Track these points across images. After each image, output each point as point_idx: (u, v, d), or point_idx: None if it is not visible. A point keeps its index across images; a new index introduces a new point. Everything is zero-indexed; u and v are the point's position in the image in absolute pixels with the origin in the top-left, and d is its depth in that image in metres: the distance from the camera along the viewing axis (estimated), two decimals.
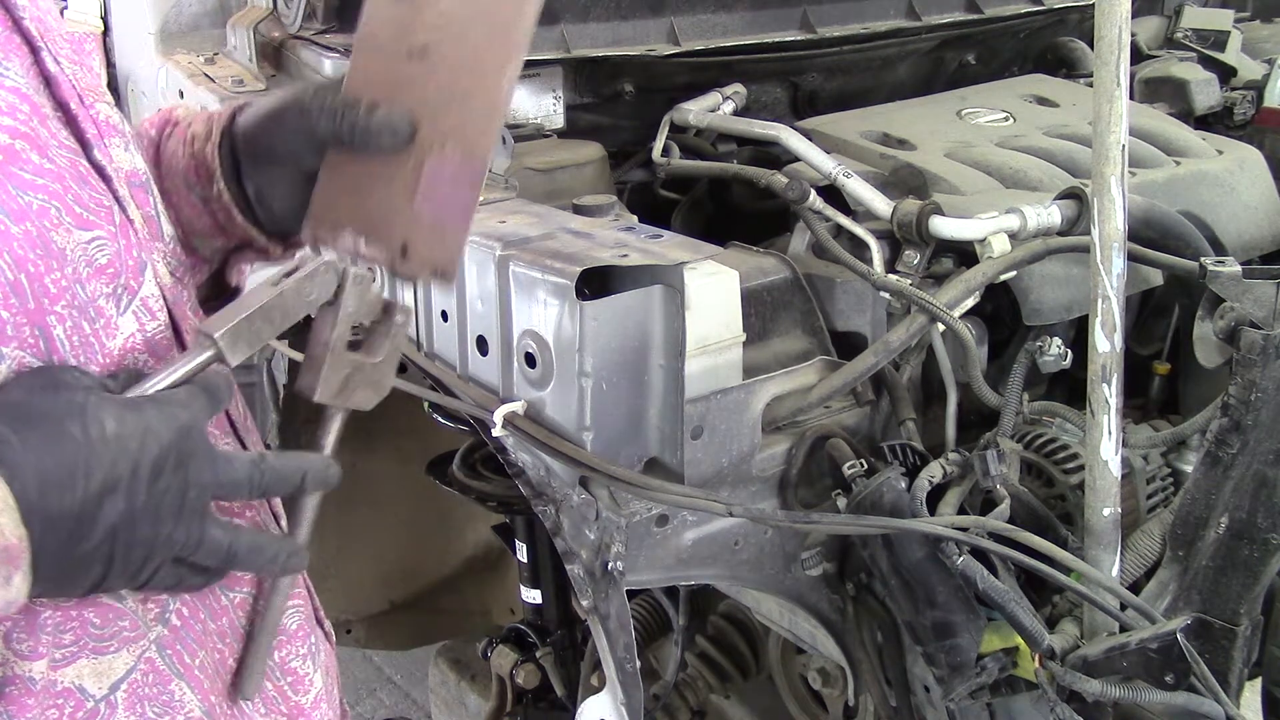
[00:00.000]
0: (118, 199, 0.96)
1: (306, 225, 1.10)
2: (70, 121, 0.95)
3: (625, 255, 1.40)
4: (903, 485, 1.48)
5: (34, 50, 0.93)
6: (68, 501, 0.81)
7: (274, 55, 2.30)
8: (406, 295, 1.69)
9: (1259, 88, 2.46)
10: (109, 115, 1.00)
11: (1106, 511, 1.46)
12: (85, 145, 0.96)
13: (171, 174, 1.15)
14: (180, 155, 1.15)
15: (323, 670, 1.18)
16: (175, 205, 1.15)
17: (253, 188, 1.14)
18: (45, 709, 0.90)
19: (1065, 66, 2.65)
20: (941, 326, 1.59)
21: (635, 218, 1.67)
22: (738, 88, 2.23)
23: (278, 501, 1.13)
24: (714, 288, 1.39)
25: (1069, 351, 1.64)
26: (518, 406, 1.46)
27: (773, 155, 2.05)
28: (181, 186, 1.15)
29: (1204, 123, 2.40)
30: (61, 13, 2.52)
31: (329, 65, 2.09)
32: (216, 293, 1.25)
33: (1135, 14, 2.60)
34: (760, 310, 1.57)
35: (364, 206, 1.05)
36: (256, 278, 1.02)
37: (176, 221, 1.14)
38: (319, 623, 1.23)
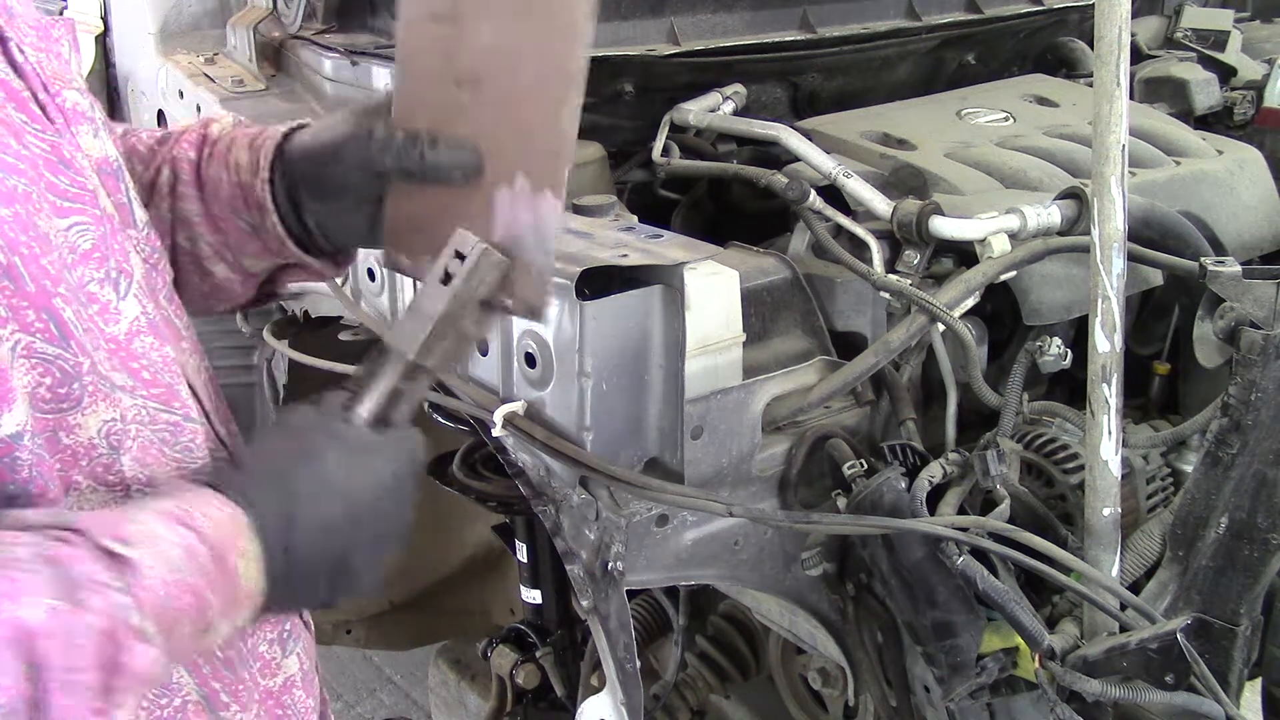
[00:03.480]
0: (95, 185, 0.96)
1: (385, 255, 1.11)
2: (40, 110, 0.94)
3: (625, 255, 1.40)
4: (903, 485, 1.48)
5: (2, 40, 0.93)
6: (297, 536, 0.91)
7: (274, 55, 2.30)
8: (406, 294, 1.69)
9: (1259, 88, 2.45)
10: (76, 102, 0.99)
11: (1106, 511, 1.46)
12: (56, 134, 0.95)
13: (217, 200, 1.14)
14: (225, 182, 1.14)
15: (296, 657, 1.18)
16: (223, 230, 1.15)
17: (313, 220, 1.13)
18: None
19: (1065, 66, 2.64)
20: (941, 326, 1.59)
21: (635, 218, 1.67)
22: (738, 88, 2.23)
23: None
24: (714, 288, 1.39)
25: (1069, 351, 1.64)
26: (518, 406, 1.46)
27: (773, 155, 2.05)
28: (228, 213, 1.14)
29: (1204, 123, 2.40)
30: (61, 12, 2.52)
31: (329, 65, 2.08)
32: (260, 298, 1.25)
33: (1135, 14, 2.60)
34: (760, 310, 1.57)
35: (441, 238, 1.03)
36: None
37: (224, 244, 1.15)
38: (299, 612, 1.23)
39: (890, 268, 1.69)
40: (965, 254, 1.68)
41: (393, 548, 0.97)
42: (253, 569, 0.88)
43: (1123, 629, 1.45)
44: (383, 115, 1.07)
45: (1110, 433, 1.42)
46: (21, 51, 0.94)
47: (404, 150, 1.03)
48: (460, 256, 0.99)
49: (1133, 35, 2.10)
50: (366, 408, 0.98)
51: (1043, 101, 2.25)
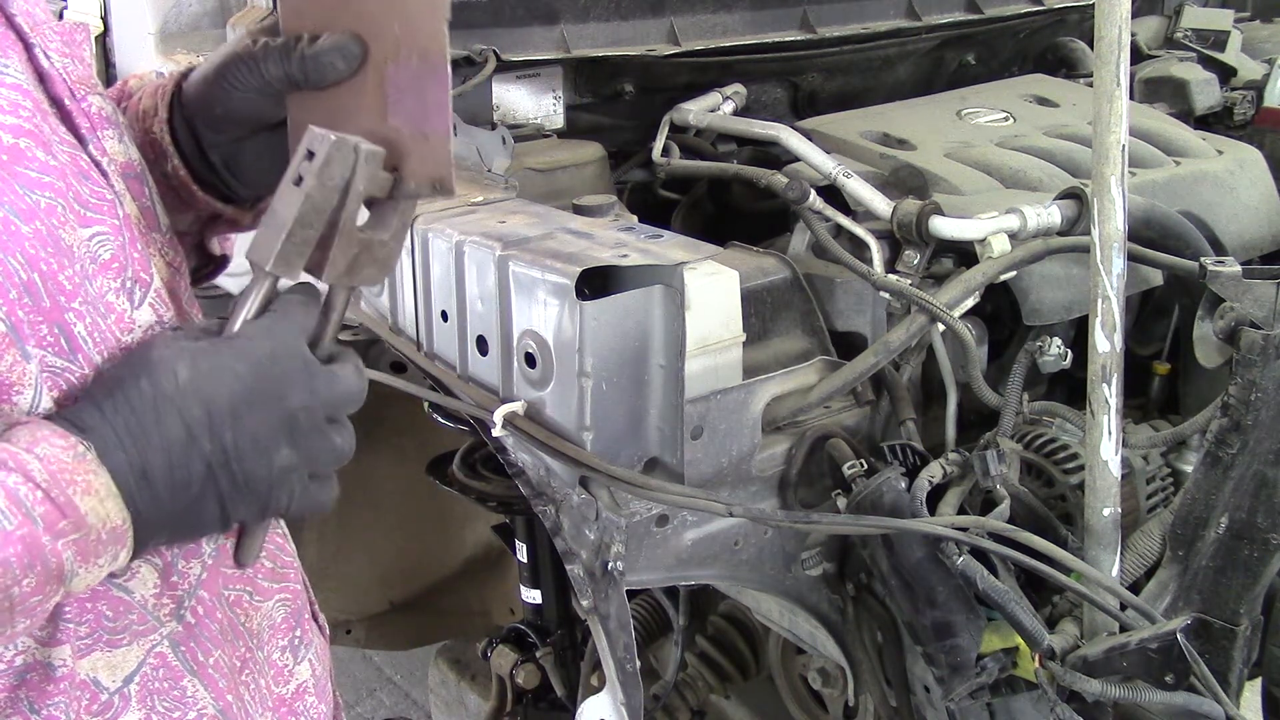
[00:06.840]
0: (116, 193, 0.96)
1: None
2: (65, 117, 0.95)
3: (625, 255, 1.40)
4: (903, 485, 1.48)
5: (27, 46, 0.93)
6: (150, 454, 0.83)
7: None
8: (406, 294, 1.69)
9: (1259, 88, 2.46)
10: (101, 107, 0.99)
11: (1106, 511, 1.46)
12: (81, 140, 0.95)
13: None
14: (136, 131, 1.11)
15: (308, 663, 1.17)
16: None
17: (219, 157, 1.10)
18: (68, 698, 0.90)
19: (1065, 66, 2.65)
20: (941, 326, 1.59)
21: (635, 218, 1.67)
22: (738, 88, 2.23)
23: None
24: (714, 288, 1.39)
25: (1069, 351, 1.64)
26: (518, 406, 1.46)
27: (773, 155, 2.05)
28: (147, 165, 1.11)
29: (1204, 123, 2.40)
30: (61, 14, 2.52)
31: None
32: (204, 262, 1.23)
33: (1135, 14, 2.60)
34: (760, 310, 1.57)
35: None
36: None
37: None
38: (314, 617, 1.23)
39: (890, 268, 1.69)
40: (965, 254, 1.68)
41: (288, 440, 0.88)
42: (108, 504, 0.81)
43: (1123, 629, 1.45)
44: (268, 33, 1.04)
45: (1110, 433, 1.42)
46: (47, 57, 0.94)
47: (285, 53, 1.00)
48: (312, 155, 0.93)
49: (1133, 35, 2.11)
50: (230, 325, 0.92)
51: (1043, 101, 2.25)
